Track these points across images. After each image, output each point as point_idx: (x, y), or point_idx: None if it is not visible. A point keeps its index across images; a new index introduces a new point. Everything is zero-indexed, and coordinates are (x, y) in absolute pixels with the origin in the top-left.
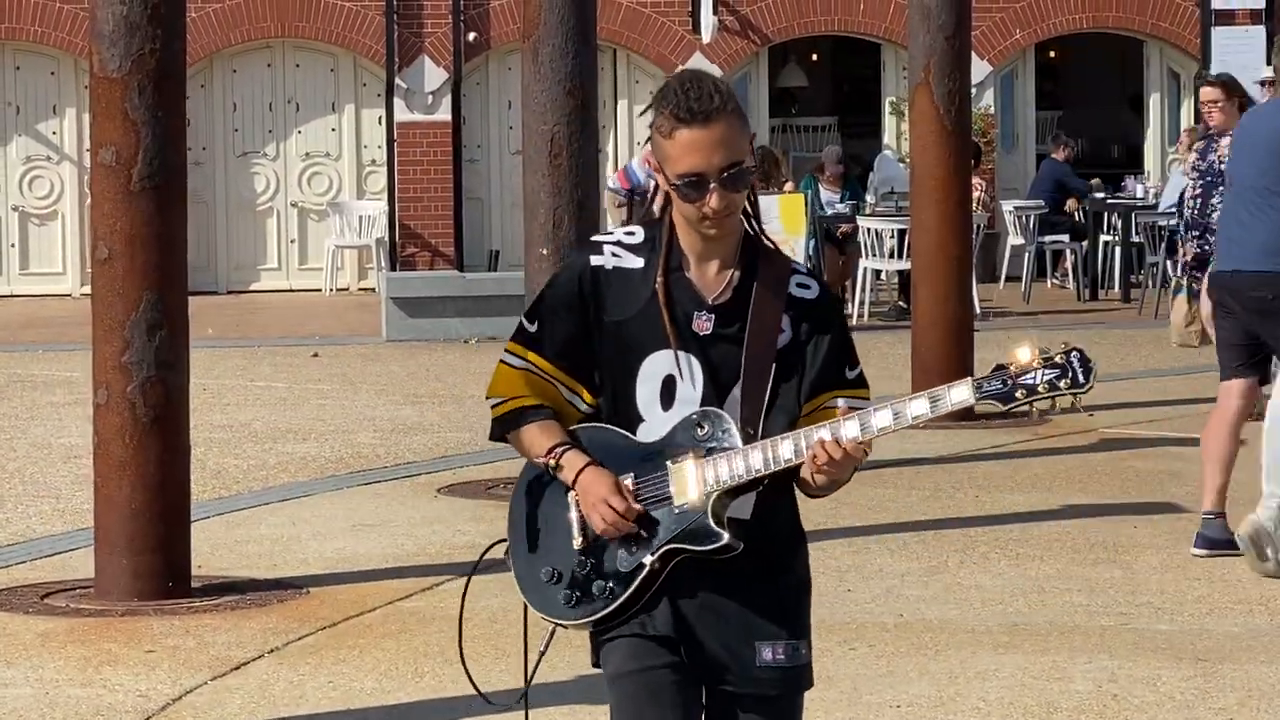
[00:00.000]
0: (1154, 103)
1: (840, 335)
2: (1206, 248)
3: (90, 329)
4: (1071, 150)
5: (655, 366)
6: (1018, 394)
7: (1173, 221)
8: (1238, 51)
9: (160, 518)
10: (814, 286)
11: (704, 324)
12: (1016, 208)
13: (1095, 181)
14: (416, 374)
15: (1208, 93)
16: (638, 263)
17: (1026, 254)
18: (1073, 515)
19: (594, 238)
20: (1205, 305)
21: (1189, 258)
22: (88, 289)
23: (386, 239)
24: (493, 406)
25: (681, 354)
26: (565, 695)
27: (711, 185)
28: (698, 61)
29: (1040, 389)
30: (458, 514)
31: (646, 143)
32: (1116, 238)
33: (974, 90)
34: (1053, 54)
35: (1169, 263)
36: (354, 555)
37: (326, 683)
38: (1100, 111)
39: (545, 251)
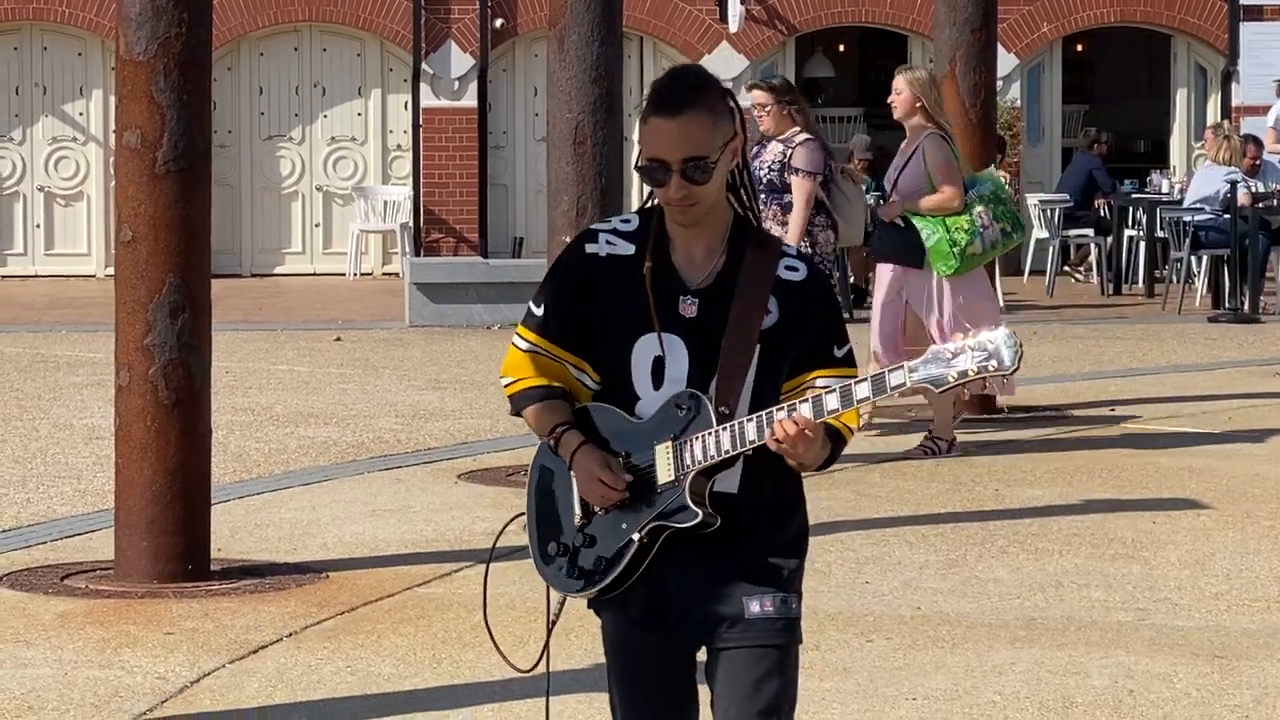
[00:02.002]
0: (1181, 98)
1: (829, 314)
2: None
3: (114, 310)
4: (1105, 147)
5: (645, 348)
6: (950, 376)
7: (1199, 217)
8: (1266, 47)
9: (180, 500)
10: (802, 269)
11: (689, 308)
12: (1041, 201)
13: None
14: (439, 359)
15: (757, 96)
16: (629, 249)
17: (1051, 248)
18: (1092, 510)
19: (591, 225)
20: None
21: None
22: (112, 270)
23: (411, 224)
24: (504, 386)
25: (666, 336)
26: (583, 683)
27: (672, 174)
28: (724, 51)
29: (971, 371)
30: (477, 500)
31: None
32: (1141, 233)
33: (1000, 83)
34: (1080, 48)
35: (1193, 258)
36: (373, 540)
37: (344, 667)
38: (1127, 106)
39: (568, 239)
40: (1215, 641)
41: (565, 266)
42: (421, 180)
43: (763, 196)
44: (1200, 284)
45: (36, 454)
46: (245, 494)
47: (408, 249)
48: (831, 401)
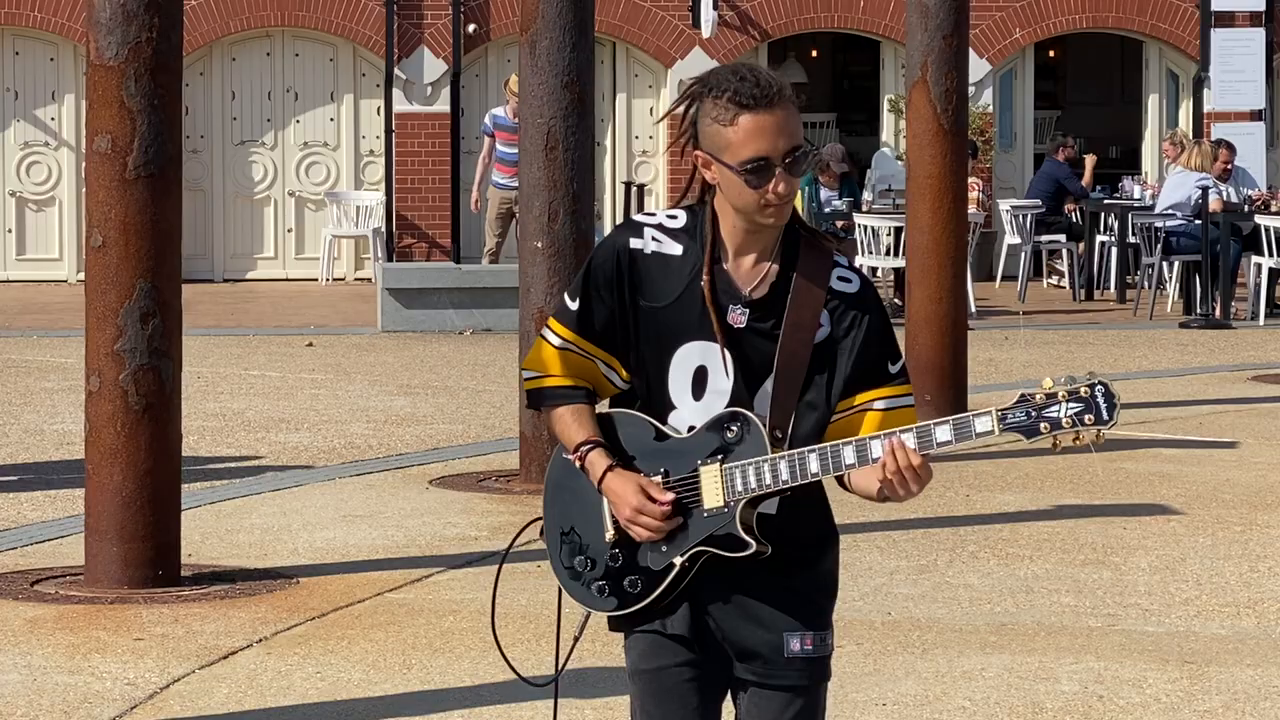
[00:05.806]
0: (1152, 104)
1: (881, 329)
2: None
3: (85, 316)
4: (1073, 151)
5: (688, 355)
6: (1042, 427)
7: (1171, 223)
8: (1237, 53)
9: (151, 506)
10: (855, 280)
11: (738, 318)
12: (1013, 207)
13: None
14: (411, 365)
15: None
16: (676, 249)
17: (1023, 253)
18: (1063, 516)
19: (636, 217)
20: None
21: None
22: (84, 275)
23: (383, 229)
24: (526, 379)
25: (715, 346)
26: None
27: (777, 170)
28: (697, 57)
29: (1064, 423)
30: (448, 506)
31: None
32: (1113, 238)
33: (973, 89)
34: (1052, 53)
35: (1165, 264)
36: (344, 546)
37: (314, 673)
38: (1099, 112)
39: (540, 244)
40: (1185, 647)
41: (604, 260)
42: (394, 185)
43: None
44: (1172, 290)
45: (6, 459)
46: (216, 499)
47: (380, 254)
48: (908, 440)
